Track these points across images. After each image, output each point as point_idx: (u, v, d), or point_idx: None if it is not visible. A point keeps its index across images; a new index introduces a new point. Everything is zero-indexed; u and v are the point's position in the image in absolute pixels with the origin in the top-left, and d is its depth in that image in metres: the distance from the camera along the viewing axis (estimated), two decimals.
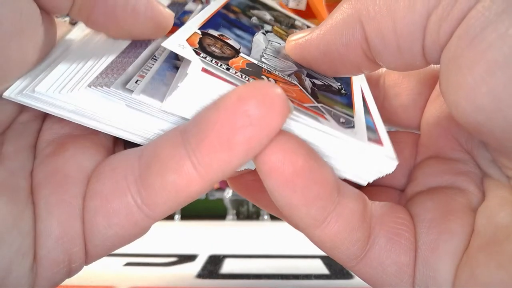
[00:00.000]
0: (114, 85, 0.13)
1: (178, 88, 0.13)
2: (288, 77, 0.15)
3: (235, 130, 0.11)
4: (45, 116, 0.15)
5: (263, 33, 0.18)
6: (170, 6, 0.20)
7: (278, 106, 0.11)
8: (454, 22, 0.12)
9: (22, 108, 0.15)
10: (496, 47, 0.11)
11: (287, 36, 0.17)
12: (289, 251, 0.32)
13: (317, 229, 0.13)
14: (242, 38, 0.16)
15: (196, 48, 0.14)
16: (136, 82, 0.14)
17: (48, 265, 0.13)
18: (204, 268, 0.29)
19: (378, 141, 0.14)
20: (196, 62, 0.13)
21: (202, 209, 0.47)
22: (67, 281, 0.14)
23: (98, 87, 0.13)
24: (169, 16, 0.15)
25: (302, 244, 0.32)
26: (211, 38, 0.15)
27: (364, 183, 0.14)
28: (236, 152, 0.12)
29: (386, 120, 0.17)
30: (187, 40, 0.14)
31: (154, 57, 0.15)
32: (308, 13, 0.43)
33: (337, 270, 0.28)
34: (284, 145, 0.12)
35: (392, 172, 0.14)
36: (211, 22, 0.16)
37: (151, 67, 0.15)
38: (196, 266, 0.29)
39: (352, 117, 0.15)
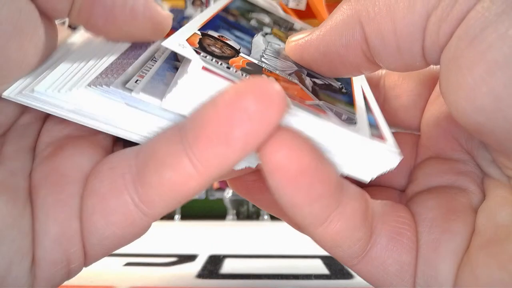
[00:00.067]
0: (114, 84, 0.13)
1: (178, 85, 0.13)
2: (288, 76, 0.15)
3: (233, 125, 0.11)
4: (45, 118, 0.15)
5: (262, 35, 0.18)
6: (169, 12, 0.20)
7: (276, 102, 0.11)
8: (453, 22, 0.12)
9: (23, 110, 0.15)
10: (496, 48, 0.11)
11: (286, 38, 0.17)
12: (289, 251, 0.32)
13: (319, 227, 0.13)
14: (242, 39, 0.16)
15: (196, 48, 0.14)
16: (136, 82, 0.14)
17: (46, 265, 0.13)
18: (204, 268, 0.29)
19: (381, 137, 0.14)
20: (196, 61, 0.13)
21: (202, 209, 0.47)
22: (67, 281, 0.14)
23: (98, 86, 0.13)
24: (168, 17, 0.15)
25: (302, 244, 0.32)
26: (211, 38, 0.15)
27: (367, 180, 0.14)
28: (234, 147, 0.11)
29: (386, 121, 0.17)
30: (187, 40, 0.14)
31: (154, 59, 0.15)
32: (308, 13, 0.43)
33: (337, 270, 0.28)
34: (290, 143, 0.12)
35: (395, 168, 0.14)
36: (211, 24, 0.16)
37: (150, 68, 0.15)
38: (196, 266, 0.29)
39: (354, 114, 0.15)
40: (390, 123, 0.16)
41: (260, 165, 0.14)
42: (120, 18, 0.14)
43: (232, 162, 0.12)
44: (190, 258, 0.31)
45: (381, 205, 0.15)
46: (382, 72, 0.20)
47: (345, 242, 0.14)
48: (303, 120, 0.13)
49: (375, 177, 0.14)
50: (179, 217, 0.46)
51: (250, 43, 0.17)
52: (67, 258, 0.13)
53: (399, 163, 0.14)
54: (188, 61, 0.13)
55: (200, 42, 0.14)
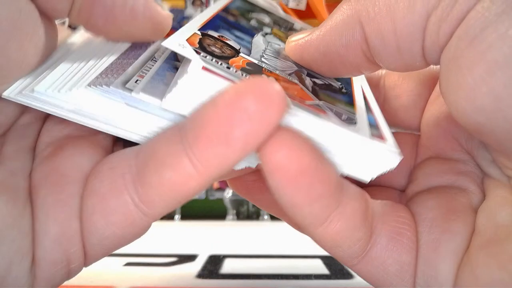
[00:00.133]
0: (114, 84, 0.13)
1: (178, 85, 0.13)
2: (288, 76, 0.15)
3: (232, 125, 0.11)
4: (45, 119, 0.16)
5: (262, 35, 0.18)
6: (169, 12, 0.20)
7: (276, 101, 0.11)
8: (453, 22, 0.12)
9: (23, 110, 0.15)
10: (496, 48, 0.11)
11: (287, 38, 0.17)
12: (289, 251, 0.32)
13: (319, 227, 0.13)
14: (242, 39, 0.16)
15: (196, 48, 0.14)
16: (136, 82, 0.14)
17: (46, 265, 0.13)
18: (204, 268, 0.29)
19: (381, 137, 0.14)
20: (196, 60, 0.13)
21: (202, 209, 0.47)
22: (67, 281, 0.14)
23: (98, 86, 0.13)
24: (168, 16, 0.15)
25: (302, 244, 0.32)
26: (211, 38, 0.15)
27: (368, 180, 0.14)
28: (234, 147, 0.11)
29: (386, 121, 0.17)
30: (187, 40, 0.14)
31: (154, 59, 0.15)
32: (308, 13, 0.43)
33: (337, 270, 0.28)
34: (290, 143, 0.12)
35: (395, 168, 0.14)
36: (210, 24, 0.16)
37: (150, 68, 0.15)
38: (196, 266, 0.29)
39: (354, 114, 0.15)
40: (390, 123, 0.16)
41: (260, 165, 0.14)
42: (120, 18, 0.14)
43: (232, 162, 0.12)
44: (190, 258, 0.31)
45: (381, 205, 0.15)
46: (382, 72, 0.20)
47: (345, 242, 0.14)
48: (303, 120, 0.13)
49: (375, 177, 0.14)
50: (179, 217, 0.46)
51: (250, 43, 0.17)
52: (67, 258, 0.13)
53: (399, 163, 0.14)
54: (188, 61, 0.13)
55: (200, 42, 0.14)
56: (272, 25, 0.20)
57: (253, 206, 0.46)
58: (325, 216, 0.13)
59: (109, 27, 0.14)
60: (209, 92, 0.12)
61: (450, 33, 0.12)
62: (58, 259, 0.13)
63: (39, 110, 0.14)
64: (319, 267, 0.29)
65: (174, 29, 0.16)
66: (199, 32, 0.15)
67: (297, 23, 0.22)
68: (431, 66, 0.14)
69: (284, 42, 0.18)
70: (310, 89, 0.15)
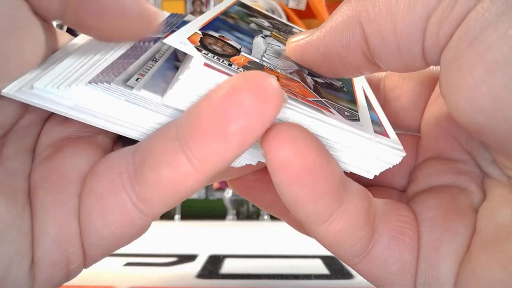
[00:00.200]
0: (114, 81, 0.13)
1: (180, 81, 0.13)
2: (290, 75, 0.15)
3: (228, 120, 0.11)
4: (45, 120, 0.16)
5: (262, 37, 0.18)
6: (170, 17, 0.20)
7: (272, 95, 0.11)
8: (453, 23, 0.12)
9: (24, 111, 0.15)
10: (496, 48, 0.11)
11: (286, 41, 0.17)
12: (289, 251, 0.32)
13: (322, 225, 0.13)
14: (242, 40, 0.16)
15: (197, 46, 0.14)
16: (136, 80, 0.14)
17: (45, 266, 0.13)
18: (204, 268, 0.29)
19: (384, 134, 0.14)
20: (198, 57, 0.13)
21: (202, 209, 0.47)
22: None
23: (98, 83, 0.13)
24: (157, 12, 0.15)
25: (302, 244, 0.32)
26: (212, 38, 0.15)
27: (371, 176, 0.14)
28: (231, 142, 0.11)
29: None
30: (188, 38, 0.14)
31: (155, 59, 0.15)
32: (308, 13, 0.43)
33: (337, 270, 0.28)
34: (295, 139, 0.12)
35: (396, 168, 0.14)
36: (211, 25, 0.16)
37: (151, 67, 0.15)
38: (196, 266, 0.29)
39: (357, 111, 0.15)
40: (391, 124, 0.16)
41: (261, 163, 0.14)
42: (112, 15, 0.14)
43: (229, 158, 0.12)
44: (190, 258, 0.31)
45: (383, 204, 0.15)
46: (382, 74, 0.20)
47: (347, 241, 0.14)
48: (306, 117, 0.13)
49: (378, 173, 0.14)
50: (179, 217, 0.46)
51: (251, 43, 0.17)
52: (66, 259, 0.13)
53: (400, 163, 0.14)
54: (189, 60, 0.13)
55: (201, 41, 0.14)
56: (271, 29, 0.20)
57: (253, 206, 0.46)
58: (328, 214, 0.13)
59: (101, 25, 0.14)
60: (211, 88, 0.12)
61: (450, 33, 0.12)
62: (57, 260, 0.13)
63: (40, 112, 0.14)
64: (319, 267, 0.29)
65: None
66: (200, 32, 0.15)
67: (296, 27, 0.22)
68: (431, 66, 0.14)
69: (284, 44, 0.18)
70: (312, 87, 0.15)
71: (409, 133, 0.19)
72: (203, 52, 0.13)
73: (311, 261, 0.30)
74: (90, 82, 0.13)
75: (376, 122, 0.15)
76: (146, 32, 0.15)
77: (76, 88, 0.13)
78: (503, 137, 0.12)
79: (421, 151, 0.18)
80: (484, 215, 0.14)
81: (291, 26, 0.22)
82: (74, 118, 0.13)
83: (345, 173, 0.14)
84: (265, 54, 0.16)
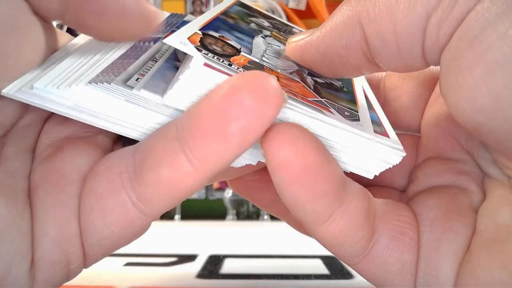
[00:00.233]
0: (114, 81, 0.13)
1: (180, 81, 0.13)
2: (290, 75, 0.15)
3: (228, 120, 0.11)
4: (45, 121, 0.16)
5: (262, 37, 0.18)
6: (170, 17, 0.20)
7: (272, 96, 0.11)
8: (453, 23, 0.12)
9: (24, 111, 0.15)
10: (496, 48, 0.11)
11: (286, 41, 0.17)
12: (289, 251, 0.32)
13: (322, 225, 0.13)
14: (242, 40, 0.16)
15: (197, 46, 0.14)
16: (136, 80, 0.14)
17: (45, 266, 0.13)
18: (204, 268, 0.29)
19: (384, 133, 0.14)
20: (198, 57, 0.13)
21: (202, 209, 0.47)
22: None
23: (98, 83, 0.13)
24: (157, 11, 0.15)
25: (302, 244, 0.32)
26: (212, 38, 0.15)
27: (371, 176, 0.14)
28: (231, 142, 0.11)
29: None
30: (188, 38, 0.14)
31: (155, 59, 0.15)
32: (308, 13, 0.43)
33: (337, 270, 0.28)
34: (295, 139, 0.12)
35: (396, 168, 0.14)
36: (211, 25, 0.16)
37: (151, 67, 0.15)
38: (196, 266, 0.29)
39: (357, 111, 0.15)
40: (391, 124, 0.16)
41: (261, 163, 0.14)
42: (112, 14, 0.14)
43: (229, 158, 0.12)
44: (190, 258, 0.31)
45: (383, 204, 0.15)
46: (382, 74, 0.20)
47: (347, 241, 0.14)
48: (306, 117, 0.13)
49: (378, 173, 0.14)
50: (179, 217, 0.46)
51: (251, 43, 0.17)
52: (66, 259, 0.13)
53: (400, 163, 0.14)
54: (189, 60, 0.13)
55: (201, 41, 0.14)
56: (271, 29, 0.20)
57: (253, 206, 0.46)
58: (328, 214, 0.13)
59: (101, 25, 0.14)
60: (211, 88, 0.12)
61: (450, 33, 0.12)
62: (57, 260, 0.13)
63: (40, 112, 0.14)
64: (319, 267, 0.29)
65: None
66: (200, 32, 0.15)
67: (296, 27, 0.22)
68: (431, 66, 0.14)
69: (284, 44, 0.18)
70: (312, 87, 0.15)
71: (409, 133, 0.19)
72: (203, 52, 0.13)
73: (311, 261, 0.30)
74: (90, 82, 0.13)
75: (376, 122, 0.15)
76: (146, 32, 0.15)
77: (76, 88, 0.13)
78: (503, 137, 0.12)
79: (421, 151, 0.18)
80: (484, 215, 0.14)
81: (291, 26, 0.22)
82: (74, 118, 0.14)
83: (345, 173, 0.14)
84: (265, 54, 0.16)
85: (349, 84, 0.18)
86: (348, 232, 0.13)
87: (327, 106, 0.14)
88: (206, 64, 0.12)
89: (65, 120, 0.15)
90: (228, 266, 0.29)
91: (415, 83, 0.18)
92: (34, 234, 0.13)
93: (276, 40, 0.19)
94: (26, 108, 0.15)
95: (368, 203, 0.14)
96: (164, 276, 0.27)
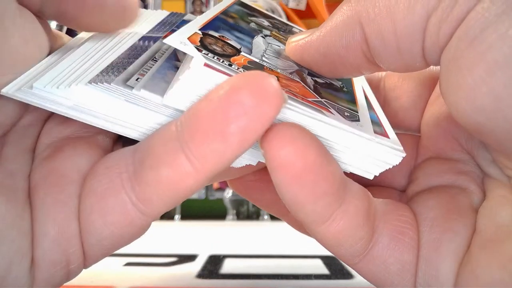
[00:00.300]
0: (115, 81, 0.13)
1: (180, 81, 0.13)
2: (290, 75, 0.15)
3: (228, 120, 0.11)
4: (45, 121, 0.16)
5: (262, 36, 0.18)
6: (169, 16, 0.20)
7: (272, 96, 0.11)
8: (453, 23, 0.12)
9: (24, 111, 0.15)
10: (496, 48, 0.11)
11: (286, 40, 0.17)
12: (289, 251, 0.32)
13: (322, 225, 0.13)
14: (242, 40, 0.16)
15: (197, 46, 0.14)
16: (136, 80, 0.14)
17: (45, 266, 0.13)
18: (204, 268, 0.29)
19: (384, 134, 0.14)
20: (198, 57, 0.13)
21: (202, 209, 0.47)
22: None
23: (98, 83, 0.13)
24: (135, 3, 0.15)
25: (302, 244, 0.32)
26: (212, 38, 0.15)
27: (371, 177, 0.14)
28: (230, 142, 0.11)
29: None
30: (188, 38, 0.14)
31: (154, 59, 0.15)
32: (308, 13, 0.43)
33: (337, 270, 0.28)
34: (295, 139, 0.12)
35: (396, 168, 0.14)
36: (211, 25, 0.16)
37: (151, 67, 0.15)
38: (196, 266, 0.29)
39: (357, 111, 0.15)
40: (391, 124, 0.16)
41: (261, 163, 0.14)
42: (90, 3, 0.14)
43: (229, 158, 0.12)
44: (190, 258, 0.31)
45: (383, 204, 0.15)
46: (382, 74, 0.20)
47: (347, 241, 0.14)
48: (306, 117, 0.13)
49: (378, 174, 0.14)
50: (179, 217, 0.46)
51: (251, 43, 0.17)
52: (66, 259, 0.13)
53: (400, 163, 0.14)
54: (189, 59, 0.13)
55: (201, 41, 0.14)
56: (271, 28, 0.20)
57: (253, 206, 0.46)
58: (328, 214, 0.13)
59: (79, 14, 0.14)
60: (211, 89, 0.12)
61: (450, 33, 0.12)
62: (57, 260, 0.13)
63: (40, 112, 0.14)
64: (319, 267, 0.29)
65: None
66: (200, 32, 0.15)
67: (296, 27, 0.22)
68: (431, 66, 0.14)
69: (284, 44, 0.18)
70: (312, 87, 0.15)
71: (409, 133, 0.19)
72: (203, 52, 0.13)
73: (311, 261, 0.30)
74: (90, 82, 0.13)
75: (376, 122, 0.15)
76: (124, 24, 0.16)
77: (76, 88, 0.13)
78: (503, 137, 0.12)
79: (421, 151, 0.18)
80: (484, 215, 0.14)
81: (291, 26, 0.22)
82: (74, 118, 0.14)
83: (345, 173, 0.14)
84: (265, 54, 0.16)
85: (349, 84, 0.18)
86: (348, 232, 0.13)
87: (327, 107, 0.14)
88: (206, 65, 0.12)
89: (65, 120, 0.15)
90: (228, 266, 0.29)
91: (415, 83, 0.18)
92: (34, 234, 0.13)
93: (276, 39, 0.19)
94: (26, 108, 0.15)
95: (368, 203, 0.14)
96: (164, 276, 0.27)
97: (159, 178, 0.12)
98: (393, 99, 0.19)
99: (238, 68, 0.14)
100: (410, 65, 0.14)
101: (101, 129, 0.14)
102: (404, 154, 0.14)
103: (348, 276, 0.27)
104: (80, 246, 0.13)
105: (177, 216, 0.45)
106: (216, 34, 0.16)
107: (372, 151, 0.14)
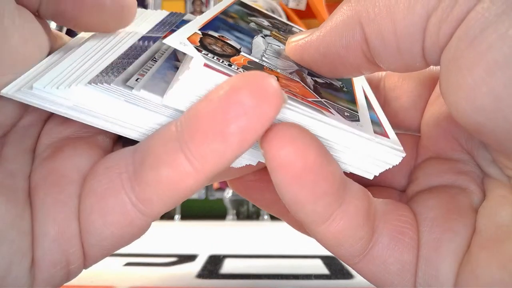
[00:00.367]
0: (114, 82, 0.13)
1: (179, 81, 0.13)
2: (289, 75, 0.15)
3: (228, 120, 0.11)
4: (45, 121, 0.16)
5: (262, 36, 0.18)
6: (169, 16, 0.20)
7: (272, 96, 0.11)
8: (453, 23, 0.12)
9: (24, 112, 0.15)
10: (496, 48, 0.11)
11: (286, 40, 0.17)
12: (289, 251, 0.32)
13: (322, 225, 0.13)
14: (242, 40, 0.16)
15: (197, 46, 0.14)
16: (136, 80, 0.14)
17: (45, 266, 0.13)
18: (204, 268, 0.29)
19: (384, 134, 0.14)
20: (198, 57, 0.13)
21: (202, 209, 0.47)
22: None
23: (98, 84, 0.13)
24: (133, 3, 0.15)
25: (302, 244, 0.32)
26: (212, 38, 0.15)
27: (371, 177, 0.14)
28: (231, 142, 0.11)
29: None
30: (187, 38, 0.14)
31: (154, 59, 0.15)
32: (308, 13, 0.43)
33: (337, 270, 0.28)
34: (295, 139, 0.12)
35: (396, 168, 0.14)
36: (211, 25, 0.16)
37: (151, 67, 0.15)
38: (196, 266, 0.29)
39: (356, 111, 0.15)
40: (391, 124, 0.16)
41: (261, 163, 0.14)
42: (88, 3, 0.14)
43: (229, 158, 0.12)
44: (190, 258, 0.31)
45: (383, 204, 0.15)
46: (382, 74, 0.20)
47: (347, 241, 0.14)
48: (306, 117, 0.13)
49: (378, 174, 0.14)
50: (179, 217, 0.46)
51: (251, 43, 0.17)
52: (66, 259, 0.13)
53: (400, 163, 0.14)
54: (188, 60, 0.13)
55: (201, 41, 0.14)
56: (271, 28, 0.20)
57: (253, 206, 0.46)
58: (328, 214, 0.13)
59: (78, 14, 0.14)
60: (210, 89, 0.12)
61: (450, 33, 0.12)
62: (57, 260, 0.13)
63: (40, 112, 0.14)
64: (319, 267, 0.29)
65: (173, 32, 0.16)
66: (199, 32, 0.15)
67: (296, 27, 0.22)
68: (431, 66, 0.14)
69: (284, 44, 0.18)
70: (312, 87, 0.15)
71: (409, 133, 0.19)
72: (203, 52, 0.13)
73: (311, 261, 0.30)
74: (89, 83, 0.13)
75: (376, 122, 0.15)
76: (121, 24, 0.16)
77: (75, 89, 0.13)
78: (503, 137, 0.12)
79: (421, 151, 0.18)
80: (484, 215, 0.14)
81: (291, 26, 0.22)
82: (73, 119, 0.14)
83: (345, 173, 0.14)
84: (265, 54, 0.16)
85: (349, 84, 0.18)
86: (348, 232, 0.13)
87: (327, 107, 0.14)
88: (206, 65, 0.12)
89: (65, 120, 0.15)
90: (228, 266, 0.29)
91: (415, 83, 0.18)
92: (34, 234, 0.13)
93: (276, 39, 0.19)
94: (26, 108, 0.15)
95: (368, 203, 0.14)
96: (164, 276, 0.27)
97: (159, 178, 0.12)
98: (393, 99, 0.19)
99: (237, 68, 0.14)
100: (410, 65, 0.14)
101: (101, 129, 0.14)
102: (404, 154, 0.14)
103: (348, 276, 0.27)
104: (80, 246, 0.13)
105: (177, 216, 0.45)
106: (215, 34, 0.16)
107: (372, 151, 0.14)
